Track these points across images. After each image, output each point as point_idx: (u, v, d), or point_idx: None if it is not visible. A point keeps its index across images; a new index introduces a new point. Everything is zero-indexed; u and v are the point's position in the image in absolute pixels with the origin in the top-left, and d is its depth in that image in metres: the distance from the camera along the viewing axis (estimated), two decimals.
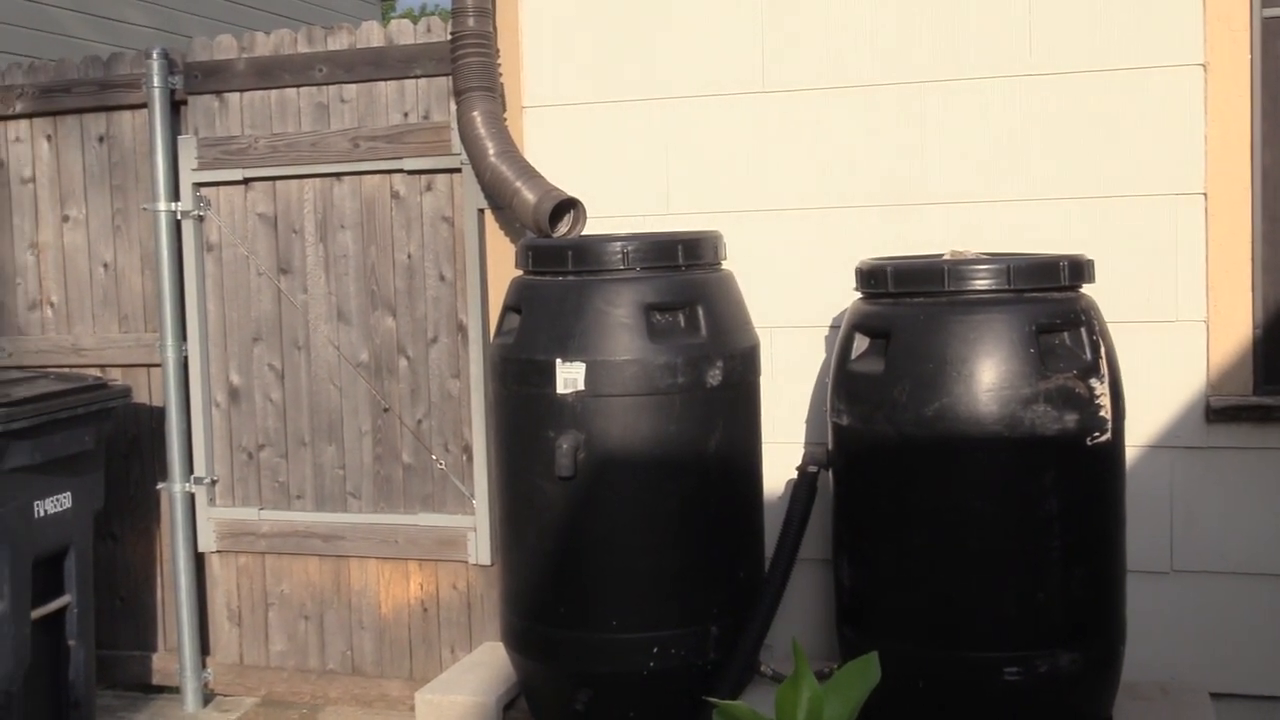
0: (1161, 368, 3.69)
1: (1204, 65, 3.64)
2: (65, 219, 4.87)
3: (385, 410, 4.49)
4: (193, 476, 4.65)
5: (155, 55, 4.60)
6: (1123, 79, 3.69)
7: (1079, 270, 3.24)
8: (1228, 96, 3.63)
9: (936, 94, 3.83)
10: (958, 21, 3.81)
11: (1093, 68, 3.71)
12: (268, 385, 4.62)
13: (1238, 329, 3.64)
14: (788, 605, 3.72)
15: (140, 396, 4.76)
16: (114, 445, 4.69)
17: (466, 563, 4.42)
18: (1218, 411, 3.64)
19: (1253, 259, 3.64)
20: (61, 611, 4.08)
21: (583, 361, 3.33)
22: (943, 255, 3.51)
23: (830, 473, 3.49)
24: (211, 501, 4.69)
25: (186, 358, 4.64)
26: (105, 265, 4.83)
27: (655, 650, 3.39)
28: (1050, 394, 3.08)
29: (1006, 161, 3.79)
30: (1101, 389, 3.15)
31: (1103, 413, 3.15)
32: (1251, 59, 3.62)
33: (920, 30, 3.84)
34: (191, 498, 4.66)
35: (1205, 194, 3.65)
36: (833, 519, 3.51)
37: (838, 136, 3.92)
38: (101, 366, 4.79)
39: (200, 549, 4.69)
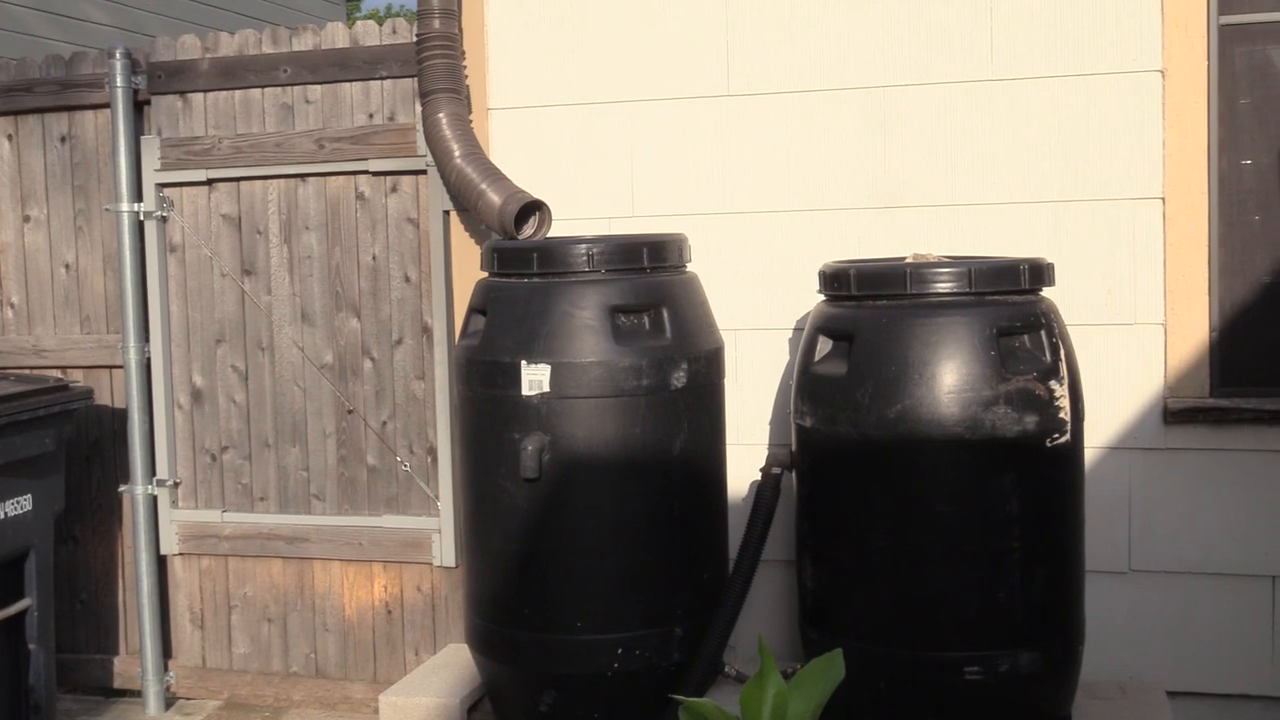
0: (1120, 370, 3.73)
1: (1162, 71, 3.69)
2: (26, 219, 4.83)
3: (350, 412, 4.48)
4: (155, 479, 4.62)
5: (118, 55, 4.57)
6: (1082, 85, 3.74)
7: (1039, 273, 3.28)
8: (1186, 102, 3.68)
9: (899, 98, 3.87)
10: (920, 27, 3.84)
11: (1053, 73, 3.75)
12: (231, 387, 4.60)
13: (1195, 332, 3.69)
14: (751, 606, 3.74)
15: (102, 398, 4.72)
16: (75, 447, 4.65)
17: (431, 565, 4.42)
18: (1175, 413, 3.68)
19: (1210, 263, 3.69)
20: (22, 615, 4.05)
21: (548, 363, 3.34)
22: (905, 258, 3.55)
23: (794, 474, 3.51)
24: (174, 504, 4.66)
25: (149, 359, 4.61)
26: (67, 266, 4.79)
27: (620, 651, 3.40)
28: (1010, 396, 3.11)
29: (968, 165, 3.83)
30: (1061, 391, 3.19)
31: (1062, 414, 3.18)
32: (1209, 65, 3.67)
33: (883, 35, 3.87)
34: (154, 500, 4.63)
35: (1163, 199, 3.69)
36: (796, 520, 3.53)
37: (801, 140, 3.95)
38: (63, 368, 4.75)
39: (163, 551, 4.66)
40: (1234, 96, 3.71)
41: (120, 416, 4.70)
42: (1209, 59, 3.68)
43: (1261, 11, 3.69)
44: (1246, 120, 3.72)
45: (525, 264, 3.50)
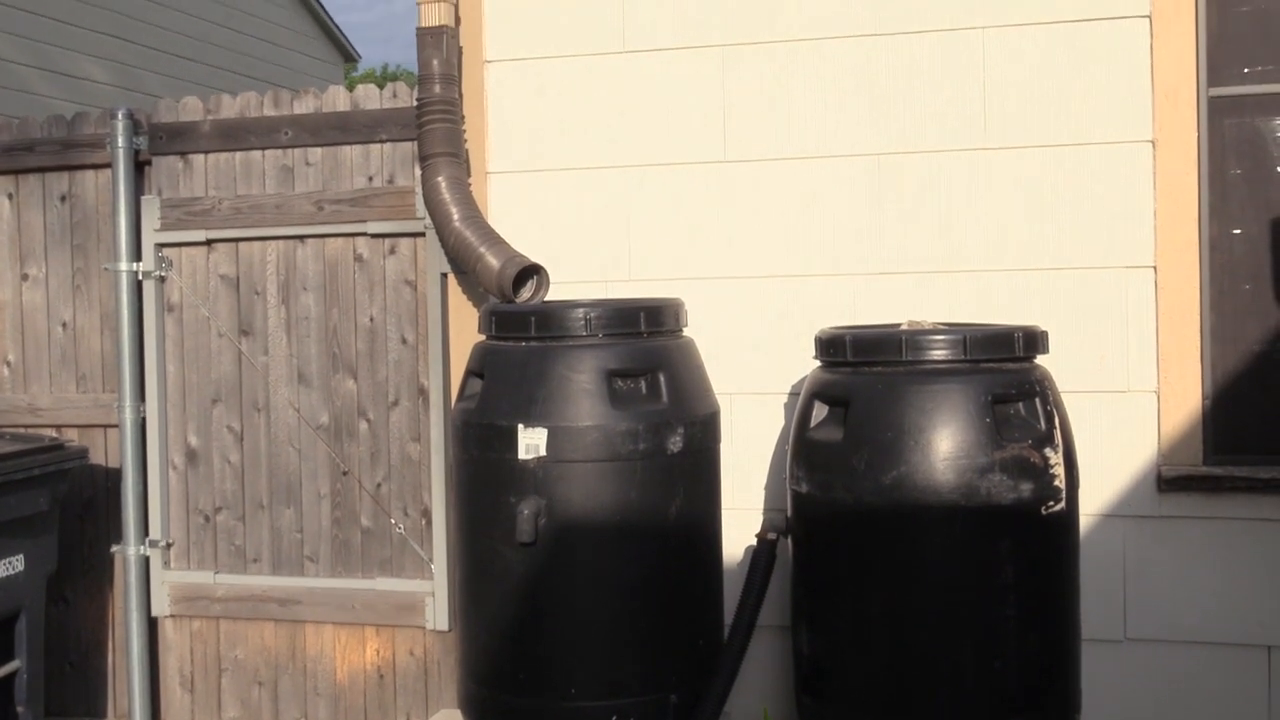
0: (1114, 437, 3.75)
1: (1153, 142, 3.74)
2: (25, 278, 4.85)
3: (344, 473, 4.48)
4: (148, 539, 4.61)
5: (120, 116, 4.61)
6: (1074, 154, 3.78)
7: (1033, 341, 3.30)
8: (1176, 172, 3.72)
9: (894, 166, 3.91)
10: (915, 97, 3.89)
11: (1045, 143, 3.80)
12: (226, 447, 4.60)
13: (1188, 399, 3.71)
14: (747, 673, 3.72)
15: (97, 457, 4.72)
16: (68, 506, 4.64)
17: (424, 628, 4.40)
18: (1169, 481, 3.70)
19: (1202, 331, 3.71)
20: (11, 677, 4.02)
21: (544, 427, 3.35)
22: (900, 325, 3.57)
23: (789, 540, 3.51)
24: (166, 565, 4.64)
25: (144, 418, 4.61)
26: (64, 324, 4.81)
27: (614, 718, 3.38)
28: (1006, 463, 3.12)
29: (963, 232, 3.86)
30: (1056, 459, 3.20)
31: (1057, 482, 3.19)
32: (1199, 136, 3.72)
33: (880, 105, 3.92)
34: (146, 561, 4.61)
35: (1155, 267, 3.73)
36: (791, 586, 3.52)
37: (797, 206, 3.98)
38: (58, 427, 4.75)
39: (154, 613, 4.64)
40: (1224, 166, 3.76)
41: (114, 476, 4.69)
42: (1199, 130, 3.73)
43: (1250, 84, 3.75)
44: (1236, 190, 3.76)
45: (523, 328, 3.52)
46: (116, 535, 4.66)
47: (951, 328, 3.43)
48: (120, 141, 4.59)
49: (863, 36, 3.93)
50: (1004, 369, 3.24)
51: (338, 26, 14.08)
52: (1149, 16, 3.73)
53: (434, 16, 4.11)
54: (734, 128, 4.04)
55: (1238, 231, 3.76)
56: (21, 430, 4.62)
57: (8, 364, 4.86)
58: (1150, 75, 3.73)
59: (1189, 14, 3.71)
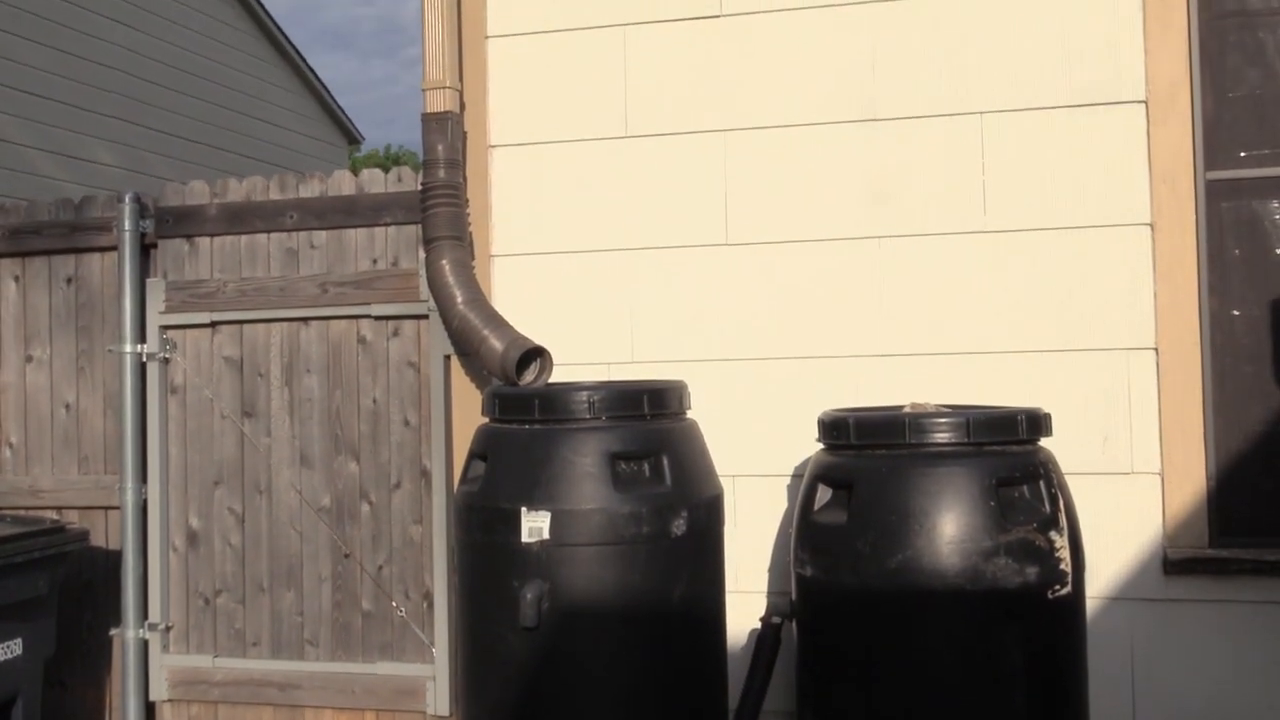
0: (1119, 519, 3.74)
1: (1151, 225, 3.77)
2: (29, 359, 4.87)
3: (346, 556, 4.46)
4: (147, 622, 4.58)
5: (128, 199, 4.66)
6: (1074, 237, 3.82)
7: (1036, 424, 3.30)
8: (1175, 254, 3.75)
9: (894, 248, 3.94)
10: (915, 180, 3.93)
11: (1045, 225, 3.84)
12: (227, 529, 4.59)
13: (1192, 481, 3.70)
14: None
15: (97, 539, 4.70)
16: (67, 589, 4.61)
17: (424, 713, 4.35)
18: (1175, 564, 3.68)
19: (1205, 412, 3.72)
20: None
21: (548, 510, 3.34)
22: (903, 407, 3.57)
23: (794, 624, 3.49)
24: (165, 648, 4.61)
25: (146, 500, 4.60)
26: (67, 406, 4.81)
27: None
28: (1011, 547, 3.11)
29: (963, 314, 3.88)
30: (1061, 542, 3.19)
31: (1063, 566, 3.18)
32: (1197, 219, 3.76)
33: (880, 188, 3.96)
34: (145, 644, 4.57)
35: (1157, 349, 3.74)
36: (796, 670, 3.49)
37: (799, 288, 4.01)
38: (59, 508, 4.73)
39: (152, 698, 4.59)
40: (1223, 249, 3.79)
41: (114, 558, 4.67)
42: (1197, 213, 3.76)
43: (1246, 168, 3.79)
44: (1236, 272, 3.79)
45: (527, 410, 3.52)
46: (116, 618, 4.63)
47: (954, 410, 3.44)
48: (127, 225, 4.64)
49: (862, 121, 3.98)
50: (1008, 451, 3.24)
51: (341, 109, 14.26)
52: (1145, 102, 3.78)
53: (439, 103, 4.17)
54: (735, 211, 4.08)
55: (1237, 313, 3.78)
56: (22, 512, 4.60)
57: (10, 445, 4.86)
58: (1148, 159, 3.78)
59: (1184, 100, 3.76)
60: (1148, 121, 3.78)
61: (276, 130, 12.82)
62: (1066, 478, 3.37)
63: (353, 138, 14.84)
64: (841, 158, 3.99)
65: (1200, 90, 3.78)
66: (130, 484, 4.57)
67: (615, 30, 4.19)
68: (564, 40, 4.23)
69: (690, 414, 3.73)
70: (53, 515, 4.60)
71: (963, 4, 3.92)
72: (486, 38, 4.28)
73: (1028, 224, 3.85)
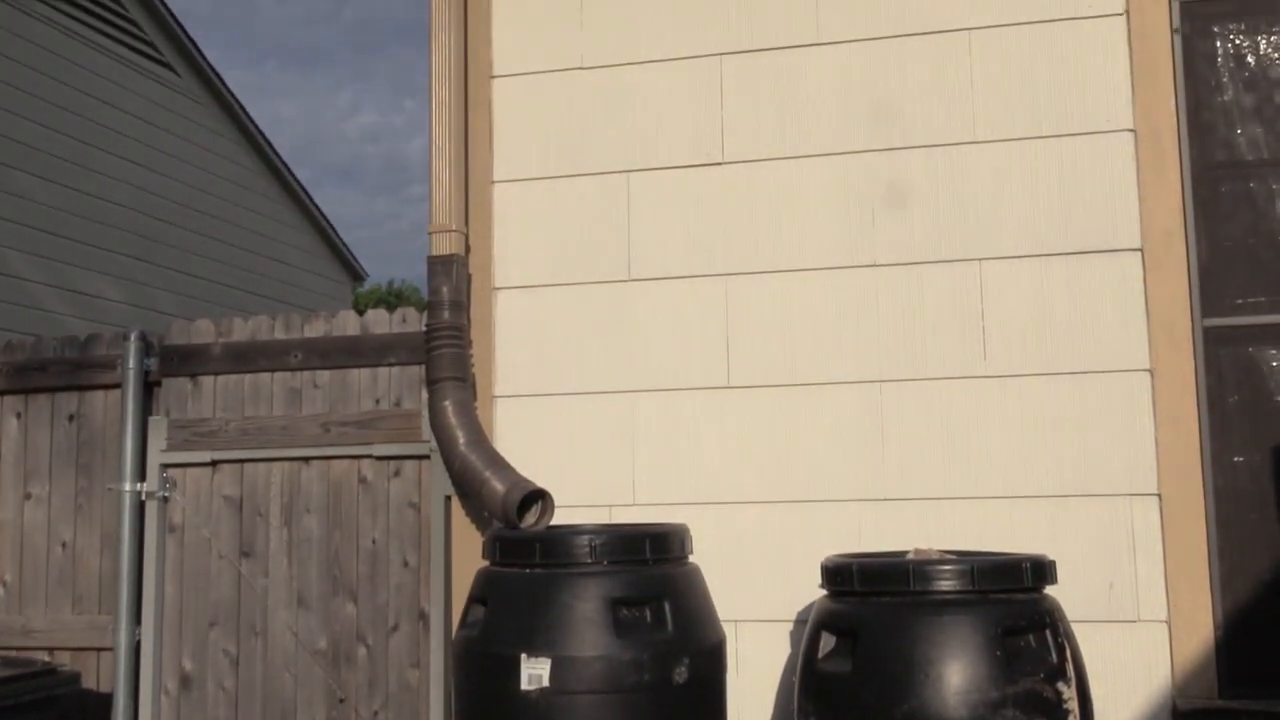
0: (1127, 668, 3.68)
1: (1151, 371, 3.79)
2: (28, 496, 4.85)
3: (341, 700, 4.38)
4: None
5: (133, 338, 4.70)
6: (1075, 383, 3.83)
7: (1041, 571, 3.28)
8: (1176, 400, 3.77)
9: (896, 393, 3.96)
10: (916, 326, 3.97)
11: (1045, 371, 3.86)
12: (221, 672, 4.51)
13: (1200, 629, 3.66)
14: None
15: (89, 681, 4.63)
16: None
17: None
18: (1184, 715, 3.61)
19: (1210, 560, 3.69)
20: None
21: (548, 657, 3.29)
22: (907, 553, 3.55)
23: None
24: None
25: (139, 642, 4.54)
26: (64, 544, 4.78)
27: None
28: (1019, 698, 3.06)
29: (966, 459, 3.88)
30: (1069, 693, 3.13)
31: (1071, 717, 3.12)
32: (1196, 366, 3.78)
33: (882, 333, 3.99)
34: None
35: (1160, 495, 3.74)
36: None
37: (800, 431, 4.01)
38: (51, 649, 4.67)
39: None
40: (1222, 395, 3.81)
41: (105, 702, 4.59)
42: (1195, 360, 3.79)
43: (1243, 315, 3.83)
44: (1237, 418, 3.80)
45: (527, 554, 3.49)
46: None
47: (959, 556, 3.41)
48: (131, 363, 4.67)
49: (863, 267, 4.03)
50: (1013, 599, 3.20)
51: (346, 246, 14.45)
52: (1140, 250, 3.84)
53: (445, 245, 4.22)
54: (737, 354, 4.10)
55: (1240, 459, 3.78)
56: (14, 653, 4.54)
57: (4, 584, 4.81)
58: (1145, 306, 3.82)
59: (1179, 248, 3.82)
60: (1144, 269, 3.83)
61: (282, 267, 12.98)
62: (1073, 625, 3.33)
63: (357, 274, 15.00)
64: (843, 304, 4.03)
65: (1195, 238, 3.84)
66: (124, 625, 4.52)
67: (619, 176, 4.27)
68: (568, 185, 4.31)
69: (692, 558, 3.71)
70: (44, 656, 4.53)
71: (960, 153, 4.00)
72: (493, 182, 4.36)
73: (1028, 369, 3.88)
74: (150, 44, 10.86)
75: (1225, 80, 3.90)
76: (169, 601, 4.59)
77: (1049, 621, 3.21)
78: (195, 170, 11.39)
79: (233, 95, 11.99)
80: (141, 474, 4.62)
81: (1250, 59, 3.89)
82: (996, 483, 3.86)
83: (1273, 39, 3.88)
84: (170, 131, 11.05)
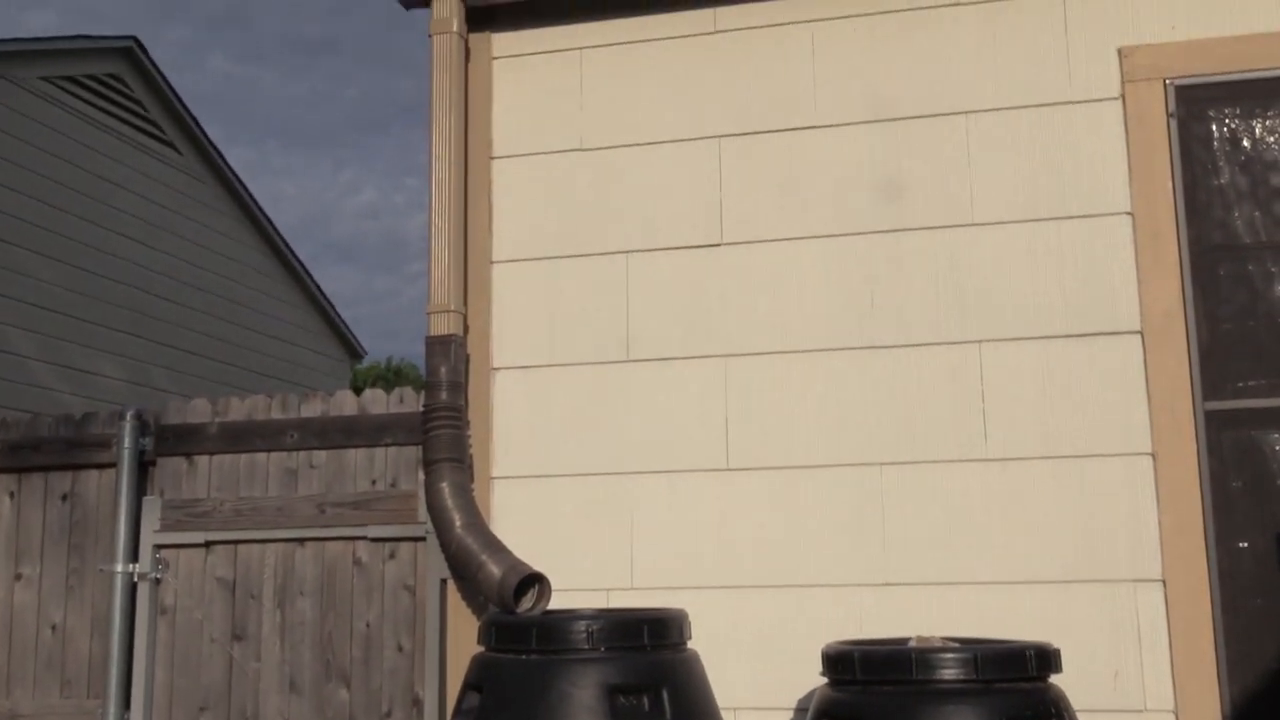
0: None
1: (1153, 454, 3.76)
2: (18, 577, 4.79)
3: None
4: None
5: (129, 417, 4.67)
6: (1076, 466, 3.81)
7: (1046, 660, 3.22)
8: (1178, 484, 3.73)
9: (896, 475, 3.93)
10: (914, 407, 3.95)
11: (1046, 454, 3.83)
12: None
13: (1208, 719, 3.60)
14: None
15: None
16: None
17: None
18: None
19: (1216, 648, 3.64)
20: None
21: None
22: (909, 640, 3.49)
23: None
24: None
25: None
26: (54, 626, 4.72)
27: None
28: None
29: (967, 544, 3.84)
30: None
31: None
32: (1198, 449, 3.75)
33: (880, 416, 3.97)
34: None
35: (1164, 580, 3.69)
36: None
37: (800, 515, 3.98)
38: None
39: None
40: (1225, 479, 3.78)
41: None
42: (1197, 443, 3.76)
43: (1245, 398, 3.81)
44: (1240, 502, 3.76)
45: (523, 639, 3.44)
46: None
47: (962, 645, 3.35)
48: (127, 443, 4.64)
49: (860, 349, 4.02)
50: (1018, 689, 3.14)
51: (345, 324, 14.47)
52: (1140, 332, 3.83)
53: (443, 326, 4.21)
54: (736, 436, 4.08)
55: (1244, 545, 3.74)
56: None
57: None
58: (1146, 388, 3.80)
59: (1179, 330, 3.81)
60: (1144, 351, 3.82)
61: (281, 345, 12.99)
62: (1079, 714, 3.27)
63: (355, 352, 15.01)
64: (841, 385, 4.02)
65: (1194, 321, 3.84)
66: (113, 710, 4.44)
67: (618, 257, 4.27)
68: (567, 266, 4.31)
69: (691, 644, 3.65)
70: None
71: (958, 234, 4.01)
72: (492, 262, 4.37)
73: (1029, 452, 3.85)
74: (154, 123, 10.96)
75: (1221, 163, 3.92)
76: (159, 685, 4.52)
77: (1055, 712, 3.15)
78: (195, 247, 11.44)
79: (234, 173, 12.08)
80: (134, 555, 4.58)
81: (1246, 142, 3.91)
82: (998, 567, 3.81)
83: (1267, 122, 3.91)
84: (172, 209, 11.11)
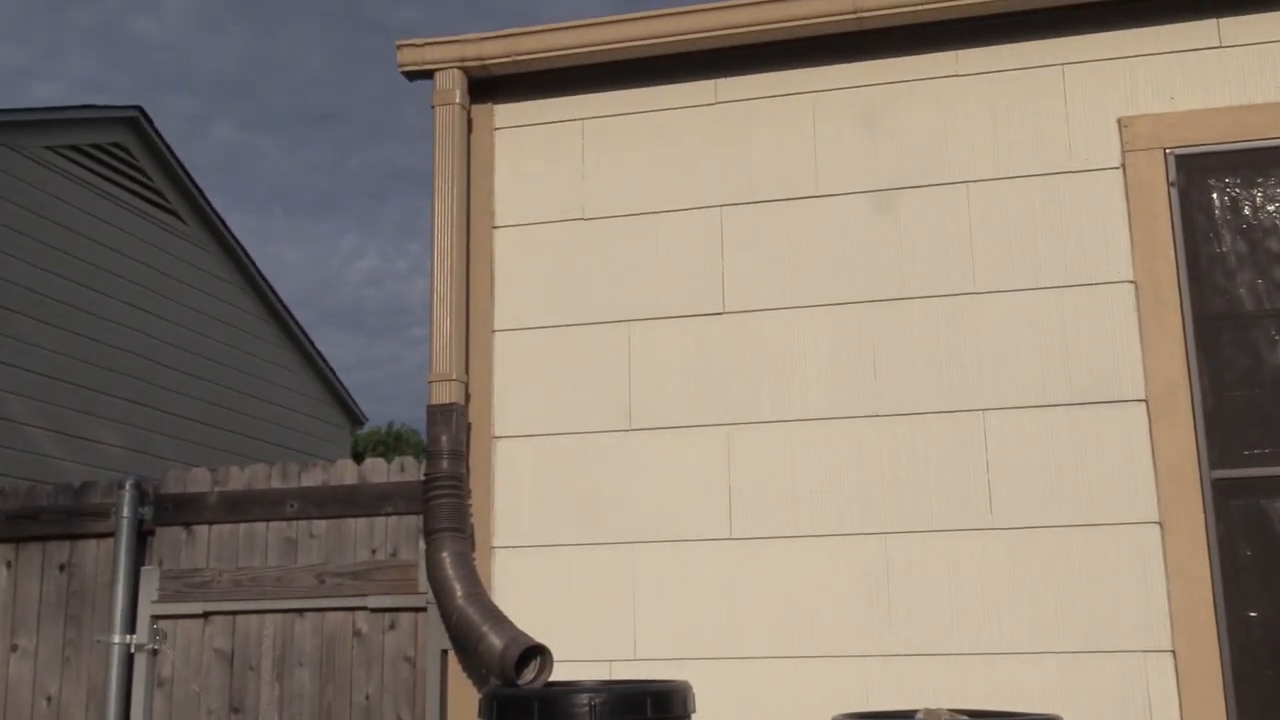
0: None
1: (1160, 523, 3.73)
2: (14, 649, 4.74)
3: None
4: None
5: (128, 486, 4.64)
6: (1082, 535, 3.78)
7: None
8: (1187, 553, 3.70)
9: (901, 545, 3.89)
10: (918, 477, 3.92)
11: (1051, 523, 3.80)
12: None
13: None
14: None
15: None
16: None
17: None
18: None
19: (1228, 718, 3.58)
20: None
21: None
22: (916, 713, 3.44)
23: None
24: None
25: None
26: (49, 698, 4.65)
27: None
28: None
29: (973, 613, 3.80)
30: None
31: None
32: (1205, 518, 3.72)
33: (884, 485, 3.94)
34: None
35: (1174, 651, 3.64)
36: None
37: (804, 584, 3.94)
38: None
39: None
40: (1234, 548, 3.74)
41: None
42: (1205, 512, 3.73)
43: (1252, 466, 3.78)
44: (1250, 572, 3.73)
45: (525, 714, 3.39)
46: None
47: (970, 717, 3.31)
48: (126, 512, 4.60)
49: (863, 418, 4.00)
50: None
51: (346, 390, 14.46)
52: (1145, 401, 3.81)
53: (444, 394, 4.20)
54: (739, 505, 4.05)
55: (1254, 614, 3.70)
56: None
57: None
58: (1152, 457, 3.78)
59: (1184, 399, 3.79)
60: (1150, 419, 3.80)
61: (283, 412, 12.97)
62: None
63: (356, 418, 14.98)
64: (844, 455, 4.00)
65: (1199, 389, 3.82)
66: None
67: (619, 325, 4.27)
68: (569, 334, 4.31)
69: (695, 716, 3.60)
70: None
71: (961, 303, 4.01)
72: (494, 331, 4.36)
73: (1035, 521, 3.82)
74: (158, 192, 11.03)
75: (1223, 231, 3.92)
76: None
77: None
78: (197, 315, 11.46)
79: (237, 241, 12.13)
80: (131, 625, 4.52)
81: (1247, 209, 3.92)
82: (1005, 638, 3.77)
83: (1268, 190, 3.92)
84: (174, 277, 11.15)
